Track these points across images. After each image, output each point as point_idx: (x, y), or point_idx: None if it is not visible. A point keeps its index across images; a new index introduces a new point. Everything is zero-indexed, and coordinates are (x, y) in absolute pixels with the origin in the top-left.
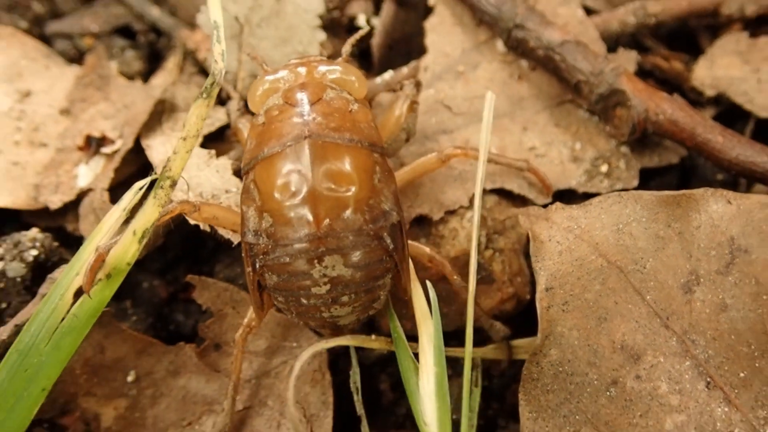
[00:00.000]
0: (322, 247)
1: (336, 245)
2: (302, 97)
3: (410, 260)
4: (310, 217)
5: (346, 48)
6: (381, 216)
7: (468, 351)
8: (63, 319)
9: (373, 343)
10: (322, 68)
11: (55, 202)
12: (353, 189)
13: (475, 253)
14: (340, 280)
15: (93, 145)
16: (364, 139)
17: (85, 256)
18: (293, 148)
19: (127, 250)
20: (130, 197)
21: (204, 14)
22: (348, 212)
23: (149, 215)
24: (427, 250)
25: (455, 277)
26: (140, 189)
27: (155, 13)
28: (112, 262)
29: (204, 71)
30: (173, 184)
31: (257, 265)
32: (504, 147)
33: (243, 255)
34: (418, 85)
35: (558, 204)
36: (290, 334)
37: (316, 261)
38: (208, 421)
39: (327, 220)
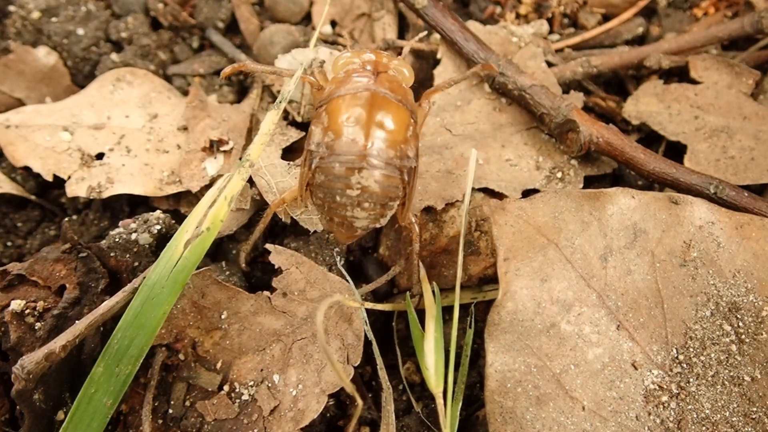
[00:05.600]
0: (364, 162)
1: (373, 164)
2: (373, 67)
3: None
4: (362, 140)
5: (406, 50)
6: (405, 157)
7: (456, 307)
8: (177, 261)
9: (373, 305)
10: (386, 59)
11: (194, 187)
12: (393, 131)
13: (464, 233)
14: (367, 189)
15: (214, 146)
16: (408, 105)
17: (191, 224)
18: (362, 93)
19: (220, 209)
20: (223, 181)
21: (279, 61)
22: (386, 145)
23: (235, 185)
24: (412, 217)
25: (416, 242)
26: (230, 175)
27: (242, 57)
28: (209, 218)
29: (275, 99)
30: (252, 165)
31: (313, 166)
32: (488, 158)
33: (303, 160)
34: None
35: (511, 197)
36: (333, 292)
37: (356, 170)
38: (276, 347)
39: (371, 145)
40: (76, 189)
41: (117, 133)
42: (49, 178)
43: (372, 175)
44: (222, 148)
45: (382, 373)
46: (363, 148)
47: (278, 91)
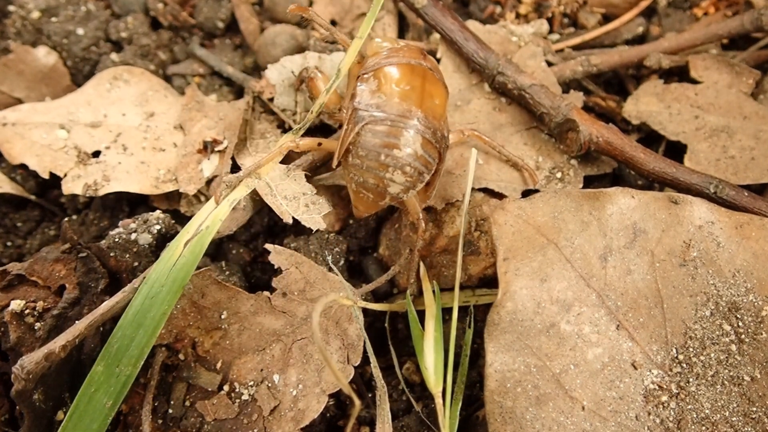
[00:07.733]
0: (414, 124)
1: (422, 128)
2: (416, 48)
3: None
4: (415, 104)
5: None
6: (443, 134)
7: (455, 307)
8: (177, 260)
9: (371, 305)
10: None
11: (191, 190)
12: (438, 105)
13: (463, 233)
14: (412, 153)
15: (208, 147)
16: (446, 89)
17: (193, 226)
18: (413, 64)
19: (221, 211)
20: (225, 188)
21: (271, 70)
22: (432, 115)
23: (239, 192)
24: (420, 210)
25: (421, 238)
26: (230, 182)
27: (229, 70)
28: (210, 218)
29: (267, 108)
30: (258, 177)
31: (361, 125)
32: (488, 158)
33: (347, 118)
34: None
35: (511, 197)
36: (332, 292)
37: (404, 131)
38: (276, 347)
39: (421, 111)
40: (72, 187)
41: (113, 131)
42: (46, 176)
43: (419, 139)
44: (216, 148)
45: (377, 372)
46: (414, 112)
47: (269, 100)
